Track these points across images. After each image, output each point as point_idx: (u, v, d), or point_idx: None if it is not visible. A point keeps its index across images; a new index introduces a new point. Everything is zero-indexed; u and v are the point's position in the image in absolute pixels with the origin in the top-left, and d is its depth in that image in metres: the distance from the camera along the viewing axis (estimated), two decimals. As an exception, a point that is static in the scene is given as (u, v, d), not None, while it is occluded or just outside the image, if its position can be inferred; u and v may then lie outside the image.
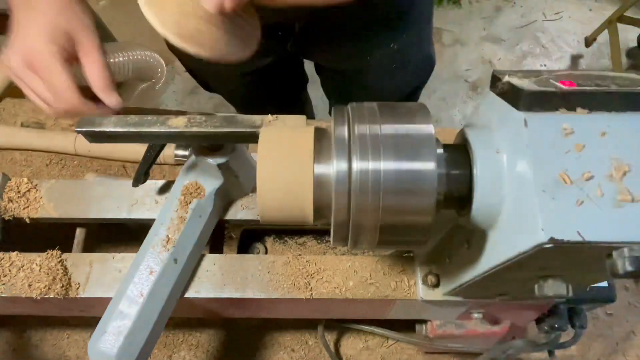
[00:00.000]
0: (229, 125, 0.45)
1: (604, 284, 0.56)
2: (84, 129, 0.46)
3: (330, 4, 0.54)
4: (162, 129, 0.45)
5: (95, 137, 0.46)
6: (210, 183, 0.55)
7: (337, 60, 0.85)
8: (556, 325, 0.57)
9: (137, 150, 0.78)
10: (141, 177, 0.55)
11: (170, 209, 0.54)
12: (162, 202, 0.60)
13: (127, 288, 0.50)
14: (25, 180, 0.60)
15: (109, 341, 0.48)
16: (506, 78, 0.36)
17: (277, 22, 0.73)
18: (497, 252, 0.36)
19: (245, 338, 0.75)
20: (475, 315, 0.57)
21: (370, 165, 0.34)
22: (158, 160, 0.78)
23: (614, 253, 0.30)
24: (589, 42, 2.16)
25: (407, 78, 0.94)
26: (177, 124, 0.45)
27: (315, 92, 1.26)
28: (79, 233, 0.61)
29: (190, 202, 0.53)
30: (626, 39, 2.15)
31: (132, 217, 0.59)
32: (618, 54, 1.98)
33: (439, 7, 2.35)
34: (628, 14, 1.98)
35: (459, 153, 0.38)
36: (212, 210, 0.55)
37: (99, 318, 0.50)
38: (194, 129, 0.44)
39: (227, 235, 0.70)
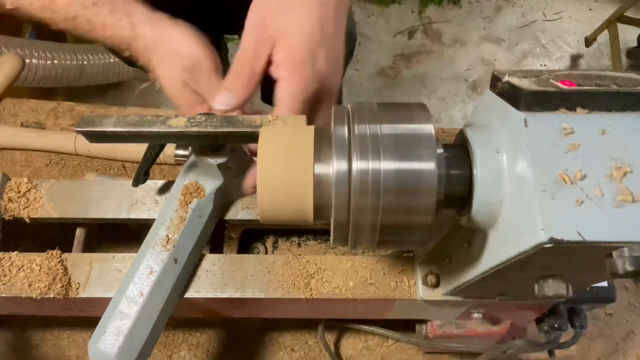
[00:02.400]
0: (229, 125, 0.45)
1: (604, 284, 0.56)
2: (83, 129, 0.45)
3: None
4: (162, 129, 0.45)
5: (95, 137, 0.46)
6: (210, 183, 0.55)
7: None
8: (556, 325, 0.58)
9: (137, 150, 0.78)
10: (141, 177, 0.55)
11: (170, 208, 0.54)
12: (162, 202, 0.60)
13: (127, 288, 0.50)
14: (25, 180, 0.60)
15: (108, 341, 0.48)
16: (506, 78, 0.36)
17: None
18: (497, 252, 0.36)
19: (245, 338, 0.75)
20: (475, 315, 0.57)
21: (370, 165, 0.34)
22: (158, 160, 0.78)
23: (614, 253, 0.30)
24: (589, 42, 2.16)
25: None
26: (177, 124, 0.45)
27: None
28: (79, 233, 0.61)
29: (190, 202, 0.53)
30: (626, 39, 2.15)
31: (132, 217, 0.59)
32: (618, 54, 1.98)
33: (438, 7, 2.36)
34: (628, 14, 1.98)
35: (459, 153, 0.38)
36: (212, 210, 0.55)
37: (99, 318, 0.50)
38: (194, 129, 0.44)
39: (227, 235, 0.70)
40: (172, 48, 0.52)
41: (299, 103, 0.46)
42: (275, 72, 0.47)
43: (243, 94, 0.48)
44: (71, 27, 0.54)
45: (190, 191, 0.54)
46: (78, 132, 0.46)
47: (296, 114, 0.46)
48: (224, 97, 0.48)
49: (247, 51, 0.48)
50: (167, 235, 0.52)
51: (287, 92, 0.46)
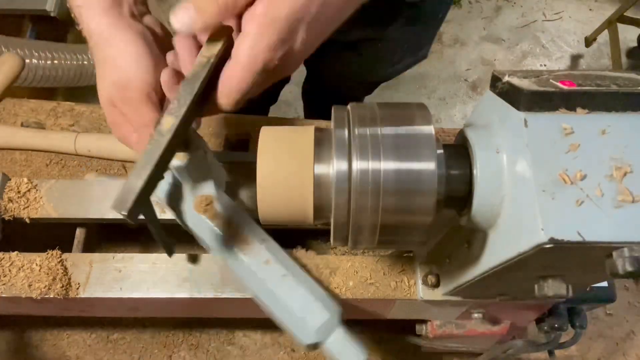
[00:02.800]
0: (193, 80, 0.40)
1: (604, 284, 0.56)
2: (126, 210, 0.38)
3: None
4: (166, 137, 0.40)
5: (144, 209, 0.40)
6: (208, 185, 0.53)
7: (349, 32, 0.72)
8: (556, 325, 0.58)
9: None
10: (171, 247, 0.51)
11: (216, 237, 0.51)
12: (162, 203, 0.59)
13: (268, 285, 0.48)
14: (25, 180, 0.60)
15: (314, 319, 0.47)
16: (506, 78, 0.36)
17: None
18: (497, 252, 0.36)
19: (245, 338, 0.75)
20: (475, 315, 0.57)
21: (370, 165, 0.34)
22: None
23: (614, 253, 0.30)
24: (589, 42, 2.16)
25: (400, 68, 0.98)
26: (167, 123, 0.40)
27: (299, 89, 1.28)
28: (79, 233, 0.61)
29: (215, 214, 0.51)
30: (626, 39, 2.15)
31: (132, 217, 0.59)
32: (618, 54, 1.98)
33: (439, 7, 2.35)
34: (628, 14, 1.98)
35: (459, 153, 0.38)
36: (234, 197, 0.54)
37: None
38: (183, 110, 0.40)
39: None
40: (112, 54, 0.46)
41: (254, 73, 0.39)
42: (244, 21, 0.39)
43: (211, 16, 0.38)
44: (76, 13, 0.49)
45: (205, 208, 0.51)
46: (126, 217, 0.38)
47: (247, 83, 0.40)
48: (184, 14, 0.38)
49: None
50: (239, 238, 0.50)
51: (246, 53, 0.39)
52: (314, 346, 0.47)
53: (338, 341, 0.47)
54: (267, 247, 0.50)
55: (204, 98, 0.42)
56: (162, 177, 0.42)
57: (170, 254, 0.51)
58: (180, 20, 0.39)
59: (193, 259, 0.57)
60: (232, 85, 0.40)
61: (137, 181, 0.38)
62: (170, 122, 0.40)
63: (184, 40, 0.43)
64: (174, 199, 0.52)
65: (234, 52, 0.40)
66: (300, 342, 0.47)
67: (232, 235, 0.51)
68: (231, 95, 0.41)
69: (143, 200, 0.39)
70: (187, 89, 0.40)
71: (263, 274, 0.49)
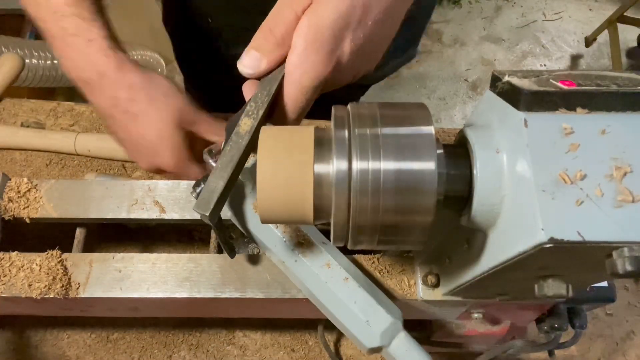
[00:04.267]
0: (271, 81, 0.41)
1: (604, 284, 0.56)
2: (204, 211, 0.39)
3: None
4: (245, 138, 0.40)
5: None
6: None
7: None
8: (556, 325, 0.58)
9: (137, 150, 0.78)
10: (233, 248, 0.51)
11: (278, 239, 0.51)
12: (162, 202, 0.60)
13: (330, 287, 0.48)
14: (25, 180, 0.60)
15: (378, 323, 0.47)
16: (506, 78, 0.36)
17: None
18: (497, 252, 0.36)
19: (245, 338, 0.75)
20: (475, 315, 0.57)
21: (370, 165, 0.34)
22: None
23: (614, 253, 0.30)
24: (589, 42, 2.16)
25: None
26: (245, 126, 0.41)
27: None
28: (79, 233, 0.61)
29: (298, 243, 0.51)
30: (626, 39, 2.15)
31: (132, 217, 0.59)
32: (618, 54, 1.98)
33: (439, 7, 2.35)
34: (628, 14, 1.99)
35: (459, 153, 0.38)
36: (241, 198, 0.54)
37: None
38: (261, 113, 0.40)
39: (227, 235, 0.69)
40: (162, 91, 0.49)
41: (307, 89, 0.41)
42: (294, 37, 0.40)
43: (273, 53, 0.40)
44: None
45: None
46: (207, 218, 0.39)
47: (302, 100, 0.41)
48: (250, 59, 0.40)
49: (284, 4, 0.40)
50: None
51: (297, 70, 0.40)
52: (377, 350, 0.47)
53: (402, 345, 0.47)
54: (327, 249, 0.51)
55: (274, 106, 0.43)
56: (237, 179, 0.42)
57: (232, 255, 0.51)
58: (247, 64, 0.41)
59: (253, 261, 0.56)
60: (288, 103, 0.42)
61: (219, 182, 0.39)
62: (248, 124, 0.41)
63: (252, 86, 0.44)
64: (235, 199, 0.52)
65: (286, 69, 0.41)
66: (361, 346, 0.47)
67: (293, 236, 0.51)
68: (289, 112, 0.42)
69: (223, 201, 0.40)
70: (264, 91, 0.41)
71: (325, 276, 0.49)
